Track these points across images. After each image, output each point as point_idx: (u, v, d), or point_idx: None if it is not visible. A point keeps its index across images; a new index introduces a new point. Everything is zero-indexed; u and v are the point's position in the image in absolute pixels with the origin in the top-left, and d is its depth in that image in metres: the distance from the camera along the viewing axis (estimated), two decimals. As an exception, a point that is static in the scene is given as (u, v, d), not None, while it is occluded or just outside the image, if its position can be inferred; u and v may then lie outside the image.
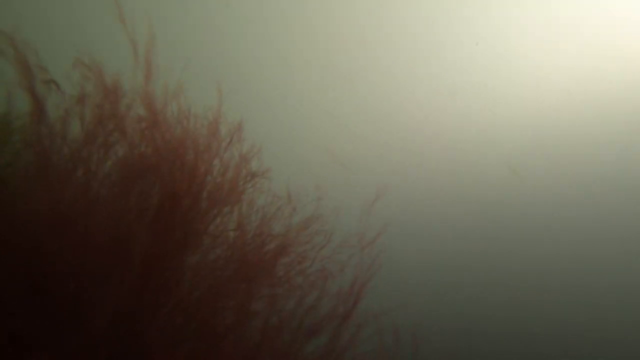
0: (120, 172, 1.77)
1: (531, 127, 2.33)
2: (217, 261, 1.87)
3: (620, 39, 2.27)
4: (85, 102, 1.75)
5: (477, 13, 2.20)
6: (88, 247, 1.67)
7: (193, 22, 2.15)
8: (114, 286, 1.67)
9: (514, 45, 2.25)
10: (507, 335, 2.48)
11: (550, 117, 2.31)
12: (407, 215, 2.19)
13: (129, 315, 1.66)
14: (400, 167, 2.33)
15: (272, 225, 1.94)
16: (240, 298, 1.87)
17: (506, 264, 2.47)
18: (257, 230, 1.92)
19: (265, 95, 2.25)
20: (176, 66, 1.80)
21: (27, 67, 1.65)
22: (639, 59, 2.30)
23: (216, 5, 2.20)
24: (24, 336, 1.58)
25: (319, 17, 2.23)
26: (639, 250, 2.51)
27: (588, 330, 2.50)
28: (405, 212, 2.15)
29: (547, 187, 2.38)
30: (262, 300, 1.91)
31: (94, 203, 1.73)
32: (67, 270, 1.62)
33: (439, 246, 2.39)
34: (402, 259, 2.05)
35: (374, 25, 2.23)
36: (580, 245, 2.49)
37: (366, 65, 2.25)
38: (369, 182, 2.22)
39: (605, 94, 2.31)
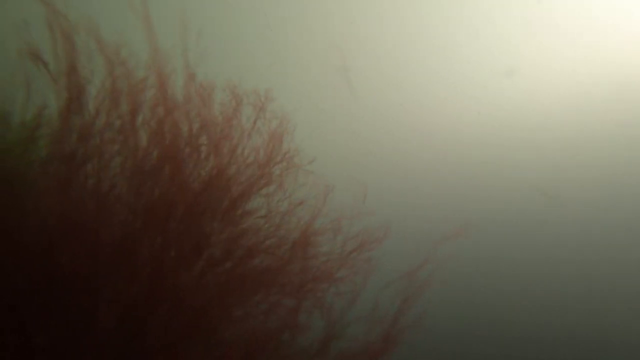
0: (133, 166, 1.73)
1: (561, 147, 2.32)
2: (232, 261, 1.82)
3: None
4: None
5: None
6: (97, 248, 1.65)
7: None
8: (122, 286, 1.66)
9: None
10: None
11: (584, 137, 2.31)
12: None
13: (136, 315, 1.66)
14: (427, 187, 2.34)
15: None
16: (253, 306, 1.85)
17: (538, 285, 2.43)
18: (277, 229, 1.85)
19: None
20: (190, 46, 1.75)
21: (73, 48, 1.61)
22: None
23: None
24: (33, 334, 1.55)
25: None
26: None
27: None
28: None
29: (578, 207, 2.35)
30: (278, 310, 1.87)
31: (105, 201, 1.70)
32: (75, 270, 1.59)
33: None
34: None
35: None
36: (612, 264, 2.43)
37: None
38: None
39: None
